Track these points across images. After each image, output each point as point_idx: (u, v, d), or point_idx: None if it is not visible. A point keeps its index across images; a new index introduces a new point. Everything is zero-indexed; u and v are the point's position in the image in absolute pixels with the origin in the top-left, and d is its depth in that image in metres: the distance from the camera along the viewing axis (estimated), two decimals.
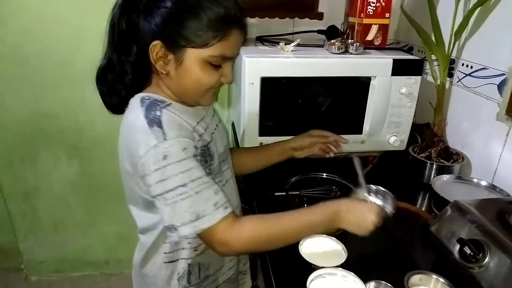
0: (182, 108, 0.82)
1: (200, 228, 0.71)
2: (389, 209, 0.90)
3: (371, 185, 0.96)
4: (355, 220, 0.79)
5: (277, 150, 1.11)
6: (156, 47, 0.74)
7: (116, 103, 0.83)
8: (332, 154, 1.12)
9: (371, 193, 0.95)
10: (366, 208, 0.81)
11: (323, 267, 0.83)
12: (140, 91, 0.82)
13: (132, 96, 0.81)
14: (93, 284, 2.06)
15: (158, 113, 0.74)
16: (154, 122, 0.72)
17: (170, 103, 0.79)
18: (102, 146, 1.76)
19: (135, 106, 0.77)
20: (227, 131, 1.01)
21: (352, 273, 0.80)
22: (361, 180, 0.95)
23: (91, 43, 1.55)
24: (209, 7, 0.72)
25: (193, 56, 0.75)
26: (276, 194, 1.13)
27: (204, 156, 0.81)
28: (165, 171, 0.70)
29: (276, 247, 0.80)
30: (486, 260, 0.76)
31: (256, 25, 1.56)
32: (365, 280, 0.79)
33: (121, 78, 0.81)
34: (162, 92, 0.82)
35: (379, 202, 0.93)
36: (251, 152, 1.13)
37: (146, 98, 0.78)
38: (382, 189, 0.95)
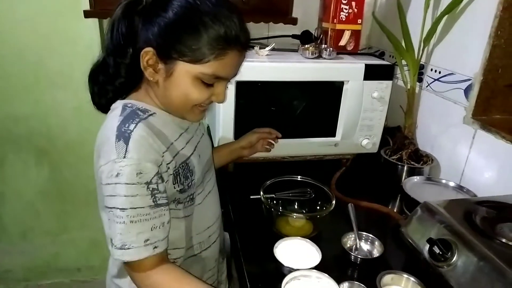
0: (167, 118, 0.80)
1: (122, 258, 0.70)
2: None
3: (363, 233, 0.98)
4: None
5: (226, 151, 1.15)
6: (147, 54, 0.72)
7: (104, 104, 0.82)
8: (271, 149, 1.20)
9: (361, 239, 0.98)
10: None
11: (297, 269, 0.84)
12: (128, 94, 0.81)
13: (118, 98, 0.80)
14: None
15: (131, 127, 0.71)
16: (123, 137, 0.70)
17: (154, 113, 0.78)
18: (73, 151, 1.70)
19: (115, 113, 0.75)
20: (211, 141, 1.00)
21: (326, 275, 0.81)
22: (354, 225, 0.98)
23: (62, 46, 1.54)
24: (210, 25, 0.69)
25: (183, 70, 0.72)
26: (251, 197, 1.13)
27: (184, 172, 0.80)
28: (115, 188, 0.68)
29: None
30: (454, 259, 0.79)
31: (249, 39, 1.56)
32: (338, 281, 0.80)
33: (113, 80, 0.79)
34: (149, 99, 0.80)
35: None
36: None
37: (129, 105, 0.77)
38: (371, 236, 0.97)
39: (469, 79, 1.15)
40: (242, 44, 0.74)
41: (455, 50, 1.21)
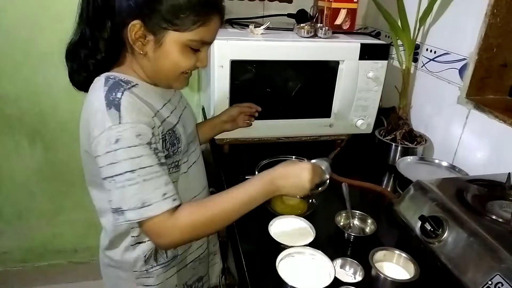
0: (149, 88, 0.82)
1: (145, 216, 0.70)
2: (324, 167, 0.91)
3: (356, 211, 0.99)
4: (290, 183, 0.79)
5: (208, 126, 1.16)
6: (135, 27, 0.72)
7: (83, 80, 0.81)
8: (251, 124, 1.21)
9: (355, 217, 0.99)
10: (299, 169, 0.80)
11: (291, 246, 0.85)
12: (109, 69, 0.80)
13: (99, 74, 0.79)
14: (62, 273, 2.01)
15: (119, 95, 0.72)
16: (113, 104, 0.71)
17: (136, 84, 0.78)
18: (67, 130, 1.69)
19: (98, 85, 0.76)
20: (194, 113, 1.01)
21: (320, 251, 0.83)
22: (347, 204, 1.00)
23: (53, 23, 1.51)
24: None
25: (173, 39, 0.74)
26: (246, 177, 1.14)
27: (171, 139, 0.81)
28: (115, 154, 0.69)
29: (218, 229, 0.79)
30: (445, 235, 0.80)
31: (225, 7, 1.54)
32: (332, 258, 0.82)
33: (93, 54, 0.78)
34: (132, 71, 0.80)
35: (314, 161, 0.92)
36: None
37: (111, 77, 0.77)
38: (364, 214, 0.98)
39: (464, 59, 1.15)
40: (221, 9, 0.79)
41: (451, 29, 1.21)
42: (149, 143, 0.72)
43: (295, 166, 0.81)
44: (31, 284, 1.96)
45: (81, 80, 0.82)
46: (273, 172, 0.80)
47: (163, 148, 0.79)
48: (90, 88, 0.79)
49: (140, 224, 0.73)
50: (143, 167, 0.70)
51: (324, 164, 0.92)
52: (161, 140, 0.78)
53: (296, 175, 0.80)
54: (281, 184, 0.79)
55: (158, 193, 0.71)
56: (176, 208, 0.73)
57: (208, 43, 0.80)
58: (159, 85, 0.84)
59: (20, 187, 1.81)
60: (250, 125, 1.21)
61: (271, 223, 0.93)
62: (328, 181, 0.92)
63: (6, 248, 1.95)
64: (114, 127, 0.69)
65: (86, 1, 0.76)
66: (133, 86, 0.77)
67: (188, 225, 0.74)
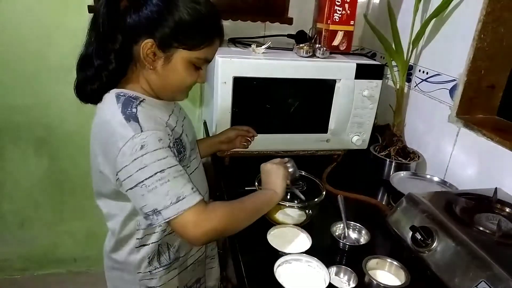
0: (155, 103, 0.87)
1: (182, 209, 0.74)
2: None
3: (351, 222, 1.05)
4: (273, 179, 0.96)
5: (206, 144, 1.21)
6: (147, 45, 0.78)
7: (91, 92, 0.84)
8: (248, 146, 1.28)
9: (349, 228, 1.05)
10: (263, 171, 1.01)
11: (289, 253, 0.89)
12: (118, 82, 0.85)
13: (108, 86, 0.83)
14: (60, 282, 2.03)
15: (134, 110, 0.78)
16: (131, 117, 0.76)
17: (144, 99, 0.83)
18: (73, 142, 1.74)
19: (111, 102, 0.80)
20: (192, 123, 1.06)
21: (316, 259, 0.87)
22: (343, 215, 1.05)
23: (63, 39, 1.58)
24: (207, 17, 0.81)
25: (182, 56, 0.82)
26: (246, 188, 1.18)
27: (178, 147, 0.86)
28: (143, 159, 0.73)
29: (244, 225, 0.85)
30: (434, 244, 0.85)
31: (229, 27, 1.61)
32: (327, 266, 0.86)
33: (105, 65, 0.82)
34: (138, 87, 0.85)
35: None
36: None
37: (121, 94, 0.81)
38: (359, 225, 1.04)
39: (454, 80, 1.22)
40: (223, 32, 0.88)
41: (442, 52, 1.28)
42: (169, 147, 0.78)
43: (262, 173, 1.01)
44: None
45: (88, 91, 0.84)
46: (265, 182, 0.99)
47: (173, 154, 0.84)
48: (100, 105, 0.83)
49: (175, 220, 0.75)
50: (171, 167, 0.76)
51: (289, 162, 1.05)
52: (173, 146, 0.83)
53: (267, 172, 0.99)
54: (271, 183, 0.96)
55: (188, 187, 0.76)
56: (204, 201, 0.79)
57: (209, 61, 0.88)
58: (163, 98, 0.89)
59: (24, 196, 1.85)
60: (246, 147, 1.27)
61: (269, 231, 0.97)
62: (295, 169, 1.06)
63: (7, 256, 1.97)
64: (137, 135, 0.74)
65: (101, 16, 0.79)
66: (141, 101, 0.82)
67: (225, 215, 0.80)
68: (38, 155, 1.78)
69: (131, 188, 0.76)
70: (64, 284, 2.03)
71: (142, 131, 0.74)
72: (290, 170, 1.04)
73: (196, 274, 1.06)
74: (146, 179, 0.74)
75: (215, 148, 1.24)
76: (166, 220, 0.75)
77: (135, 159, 0.73)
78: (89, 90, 0.85)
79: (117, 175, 0.77)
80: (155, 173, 0.74)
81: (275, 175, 0.97)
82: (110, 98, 0.82)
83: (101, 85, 0.84)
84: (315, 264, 0.87)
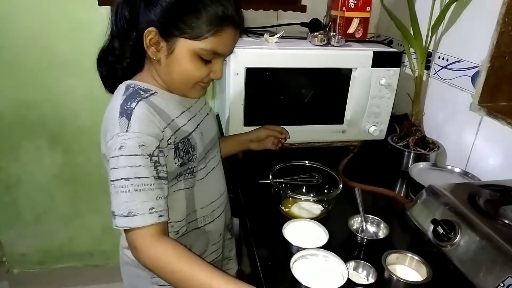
0: (168, 96, 0.85)
1: (129, 225, 0.71)
2: None
3: (369, 215, 1.01)
4: None
5: (235, 141, 1.19)
6: (150, 33, 0.76)
7: (112, 85, 0.86)
8: (278, 147, 1.22)
9: (367, 222, 1.00)
10: None
11: (305, 248, 0.87)
12: (134, 74, 0.85)
13: (126, 78, 0.84)
14: (78, 276, 2.05)
15: (133, 105, 0.76)
16: (125, 114, 0.74)
17: (156, 92, 0.82)
18: (86, 136, 1.75)
19: (119, 93, 0.80)
20: (215, 121, 1.03)
21: (333, 253, 0.84)
22: (360, 208, 1.01)
23: (74, 33, 1.57)
24: (208, 4, 0.74)
25: (184, 46, 0.77)
26: (260, 182, 1.16)
27: (185, 147, 0.84)
28: (118, 160, 0.72)
29: (173, 285, 0.75)
30: (457, 238, 0.82)
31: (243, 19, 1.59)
32: (345, 261, 0.83)
33: (121, 60, 0.83)
34: (152, 79, 0.84)
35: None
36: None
37: (132, 86, 0.81)
38: (377, 218, 1.00)
39: (476, 66, 1.16)
40: (237, 22, 0.79)
41: (463, 37, 1.23)
42: (151, 155, 0.74)
43: None
44: (48, 286, 2.01)
45: (111, 85, 0.86)
46: None
47: (177, 156, 0.82)
48: (113, 95, 0.84)
49: (125, 231, 0.74)
50: (138, 177, 0.72)
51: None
52: (171, 150, 0.80)
53: None
54: None
55: (146, 206, 0.72)
56: (162, 227, 0.74)
57: (220, 54, 0.80)
58: (175, 93, 0.86)
59: (39, 191, 1.87)
60: (278, 149, 1.21)
61: (285, 226, 0.95)
62: None
63: (24, 250, 2.00)
64: (120, 134, 0.72)
65: (115, 12, 0.80)
66: (152, 94, 0.81)
67: (158, 260, 0.72)
68: (52, 150, 1.79)
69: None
70: (81, 277, 2.05)
71: (127, 131, 0.73)
72: None
73: None
74: (115, 180, 0.72)
75: (244, 147, 1.20)
76: (116, 228, 0.73)
77: (112, 157, 0.73)
78: (109, 84, 0.87)
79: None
80: (121, 179, 0.72)
81: None
82: (120, 88, 0.82)
83: (117, 80, 0.84)
84: (333, 259, 0.84)
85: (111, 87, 0.86)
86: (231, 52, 0.84)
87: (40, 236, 1.98)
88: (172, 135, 0.80)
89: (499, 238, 0.76)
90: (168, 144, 0.79)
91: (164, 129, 0.79)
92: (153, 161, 0.74)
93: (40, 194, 1.88)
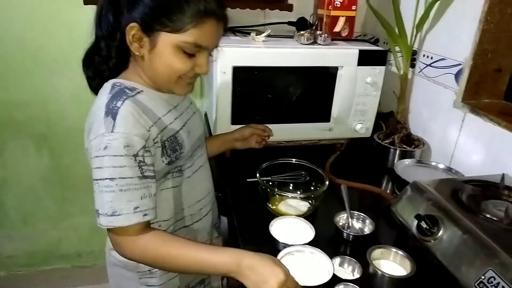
0: (154, 95, 0.84)
1: (113, 224, 0.73)
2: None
3: (355, 212, 1.02)
4: (254, 279, 0.71)
5: (220, 141, 1.19)
6: (132, 29, 0.76)
7: (99, 85, 0.85)
8: (262, 145, 1.22)
9: (353, 218, 1.01)
10: (271, 272, 0.70)
11: (291, 245, 0.87)
12: (119, 73, 0.84)
13: (112, 78, 0.83)
14: (65, 277, 2.03)
15: (119, 104, 0.75)
16: (110, 113, 0.74)
17: (141, 91, 0.82)
18: (73, 137, 1.72)
19: (105, 91, 0.80)
20: (203, 120, 1.04)
21: (319, 249, 0.85)
22: (346, 205, 1.02)
23: (61, 33, 1.55)
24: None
25: (166, 40, 0.76)
26: (248, 180, 1.17)
27: (173, 145, 0.84)
28: (102, 160, 0.72)
29: (166, 269, 0.80)
30: (440, 233, 0.83)
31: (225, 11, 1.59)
32: (331, 256, 0.84)
33: (107, 60, 0.82)
34: (138, 77, 0.84)
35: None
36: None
37: (117, 84, 0.81)
38: (363, 215, 1.01)
39: (460, 64, 1.18)
40: (219, 15, 0.79)
41: (447, 35, 1.24)
42: (135, 155, 0.74)
43: (270, 267, 0.71)
44: None
45: (97, 86, 0.86)
46: (244, 256, 0.73)
47: (164, 155, 0.82)
48: (98, 93, 0.83)
49: (109, 230, 0.76)
50: (123, 177, 0.72)
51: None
52: (158, 149, 0.80)
53: (265, 277, 0.70)
54: (246, 274, 0.72)
55: (131, 205, 0.73)
56: (148, 224, 0.77)
57: (203, 47, 0.80)
58: (161, 90, 0.86)
59: (26, 192, 1.84)
60: (261, 147, 1.22)
61: (272, 223, 0.95)
62: None
63: (11, 252, 1.97)
64: (106, 134, 0.72)
65: (99, 14, 0.80)
66: (137, 93, 0.80)
67: (145, 250, 0.75)
68: (39, 151, 1.76)
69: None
70: (69, 279, 2.03)
71: (112, 131, 0.72)
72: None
73: (199, 275, 1.04)
74: (99, 179, 0.73)
75: (228, 146, 1.21)
76: (100, 226, 0.74)
77: (96, 157, 0.73)
78: (95, 85, 0.86)
79: None
80: (105, 179, 0.72)
81: (265, 282, 0.70)
82: (105, 87, 0.81)
83: (103, 81, 0.84)
84: (318, 255, 0.85)
85: (97, 88, 0.85)
86: (215, 45, 0.83)
87: (27, 238, 1.96)
88: (158, 134, 0.80)
89: (481, 232, 0.77)
90: (154, 142, 0.79)
91: (150, 128, 0.78)
92: (138, 161, 0.74)
93: (27, 195, 1.85)
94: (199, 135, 0.98)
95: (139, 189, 0.74)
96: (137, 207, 0.74)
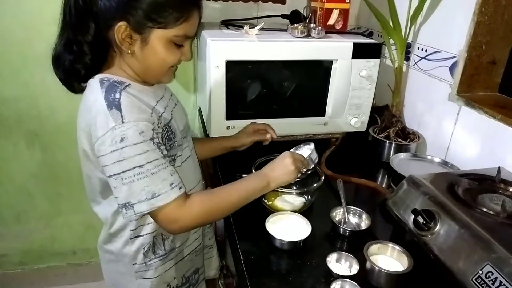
0: (141, 88, 0.85)
1: (156, 205, 0.75)
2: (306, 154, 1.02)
3: (351, 207, 1.01)
4: (278, 172, 0.90)
5: (219, 147, 1.19)
6: (121, 28, 0.75)
7: (76, 84, 0.84)
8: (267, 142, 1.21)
9: (350, 213, 1.01)
10: (281, 158, 0.93)
11: (288, 242, 0.87)
12: (99, 71, 0.83)
13: (91, 76, 0.82)
14: (60, 275, 2.02)
15: (117, 95, 0.75)
16: (113, 105, 0.74)
17: (129, 84, 0.81)
18: (65, 133, 1.70)
19: (95, 87, 0.78)
20: (185, 110, 1.04)
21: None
22: (342, 199, 1.02)
23: (50, 26, 1.49)
24: None
25: (159, 36, 0.78)
26: (243, 175, 1.15)
27: (168, 134, 0.85)
28: (122, 152, 0.72)
29: (223, 216, 0.88)
30: (437, 227, 0.82)
31: (220, 9, 1.56)
32: (328, 252, 0.84)
33: (80, 59, 0.80)
34: (122, 72, 0.83)
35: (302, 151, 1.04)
36: (199, 142, 1.17)
37: (106, 79, 0.80)
38: (359, 210, 1.01)
39: (454, 56, 1.18)
40: (200, 4, 0.83)
41: (441, 28, 1.24)
42: (152, 138, 0.76)
43: (278, 158, 0.93)
44: (30, 286, 1.97)
45: (73, 84, 0.85)
46: (264, 168, 0.92)
47: (162, 143, 0.82)
48: (85, 90, 0.82)
49: (153, 214, 0.78)
50: (151, 161, 0.75)
51: (306, 151, 1.02)
52: (159, 134, 0.81)
53: (280, 164, 0.91)
54: (272, 176, 0.90)
55: (166, 183, 0.76)
56: (184, 195, 0.80)
57: (190, 37, 0.83)
58: (148, 82, 0.87)
59: (18, 190, 1.82)
60: (266, 141, 1.19)
61: (268, 219, 0.95)
62: (315, 161, 1.03)
63: (5, 251, 1.95)
64: (117, 126, 0.72)
65: (68, 5, 0.77)
66: (126, 86, 0.80)
67: (201, 211, 0.81)
68: (30, 148, 1.74)
69: (107, 176, 0.76)
70: (64, 277, 2.02)
71: (123, 122, 0.72)
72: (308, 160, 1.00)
73: (194, 264, 1.04)
74: (123, 172, 0.73)
75: (228, 150, 1.20)
76: (138, 215, 0.76)
77: (114, 151, 0.72)
78: (71, 85, 0.85)
79: (98, 161, 0.76)
80: (134, 167, 0.73)
81: (285, 173, 0.91)
82: (94, 83, 0.80)
83: (81, 79, 0.83)
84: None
85: (74, 88, 0.85)
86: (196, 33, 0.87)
87: (20, 236, 1.93)
88: (157, 121, 0.81)
89: (478, 226, 0.77)
90: (157, 127, 0.80)
91: (151, 114, 0.80)
92: (155, 143, 0.77)
93: (19, 193, 1.83)
94: (184, 125, 0.99)
95: (167, 167, 0.78)
96: (172, 183, 0.77)
